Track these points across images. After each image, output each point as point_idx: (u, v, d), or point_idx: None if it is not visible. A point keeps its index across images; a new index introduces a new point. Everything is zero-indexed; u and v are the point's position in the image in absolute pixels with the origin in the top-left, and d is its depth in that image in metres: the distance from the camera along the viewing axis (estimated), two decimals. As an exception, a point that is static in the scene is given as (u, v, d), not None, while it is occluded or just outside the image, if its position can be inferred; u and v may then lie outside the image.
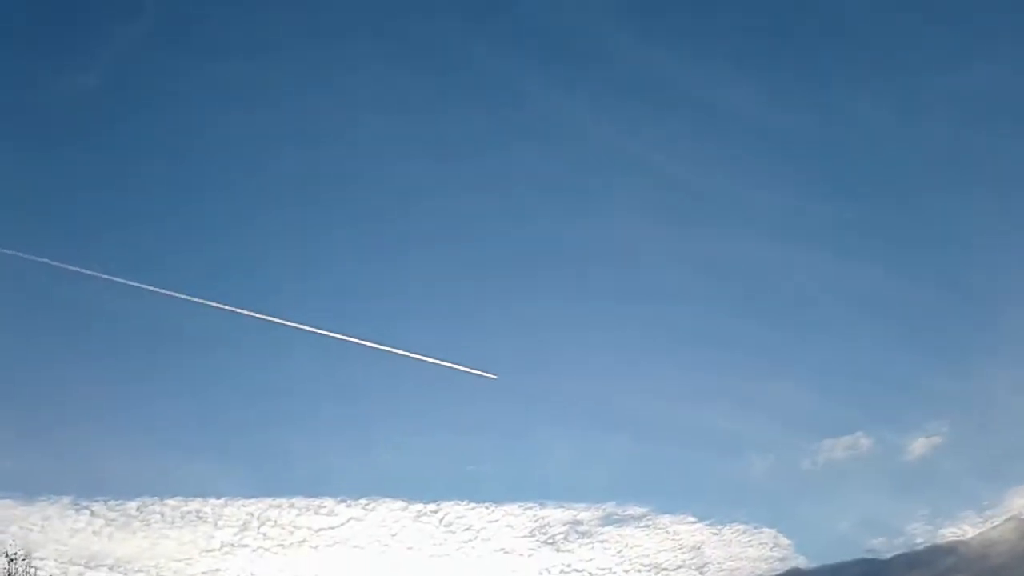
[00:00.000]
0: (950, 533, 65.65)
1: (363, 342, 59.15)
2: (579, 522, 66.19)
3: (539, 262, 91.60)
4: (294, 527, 60.92)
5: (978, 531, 65.62)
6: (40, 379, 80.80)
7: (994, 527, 64.19)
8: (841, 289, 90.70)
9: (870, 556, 62.98)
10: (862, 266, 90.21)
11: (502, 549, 64.53)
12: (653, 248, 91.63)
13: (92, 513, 59.58)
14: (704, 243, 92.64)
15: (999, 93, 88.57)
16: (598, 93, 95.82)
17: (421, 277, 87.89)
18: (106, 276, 62.35)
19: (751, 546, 65.89)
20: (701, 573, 64.76)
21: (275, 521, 60.76)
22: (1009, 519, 63.83)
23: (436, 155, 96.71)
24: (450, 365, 59.83)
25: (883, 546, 72.97)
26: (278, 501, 62.05)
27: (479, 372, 58.81)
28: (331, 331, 63.16)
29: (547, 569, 64.14)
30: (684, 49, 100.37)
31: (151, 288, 65.15)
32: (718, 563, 65.04)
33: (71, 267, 68.03)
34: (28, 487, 60.85)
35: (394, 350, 56.66)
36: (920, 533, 69.72)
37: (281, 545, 60.10)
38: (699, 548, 65.96)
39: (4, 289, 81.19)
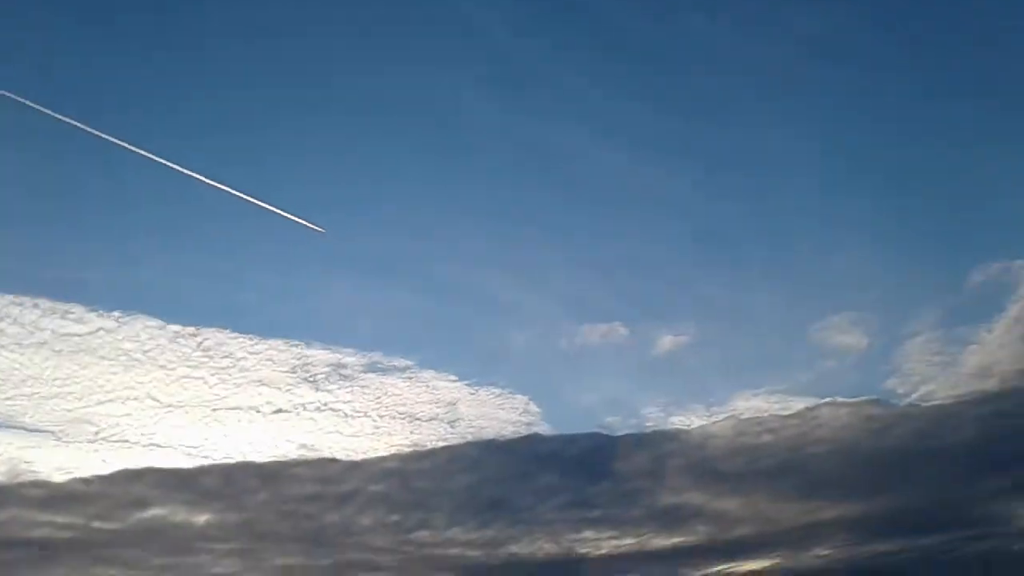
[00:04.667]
0: (678, 422, 72.05)
1: (140, 151, 55.24)
2: (343, 366, 67.45)
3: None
4: (35, 328, 58.63)
5: (701, 423, 72.51)
6: None
7: (715, 422, 70.91)
8: (638, 187, 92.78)
9: (603, 432, 68.14)
10: (658, 169, 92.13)
11: (260, 380, 65.14)
12: (477, 117, 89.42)
13: None
14: (525, 123, 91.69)
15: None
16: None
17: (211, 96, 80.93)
18: None
19: (503, 409, 69.57)
20: (452, 426, 68.09)
21: (14, 319, 58.25)
22: (728, 417, 70.66)
23: None
24: (233, 192, 57.03)
25: (616, 424, 79.69)
26: (20, 299, 59.12)
27: (261, 203, 56.69)
28: (110, 135, 58.64)
29: (303, 405, 65.64)
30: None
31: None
32: (469, 420, 68.46)
33: None
34: None
35: (171, 164, 53.19)
36: (652, 419, 76.34)
37: (18, 344, 57.98)
38: (455, 405, 69.03)
39: None
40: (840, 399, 78.45)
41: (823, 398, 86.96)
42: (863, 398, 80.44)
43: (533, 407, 70.57)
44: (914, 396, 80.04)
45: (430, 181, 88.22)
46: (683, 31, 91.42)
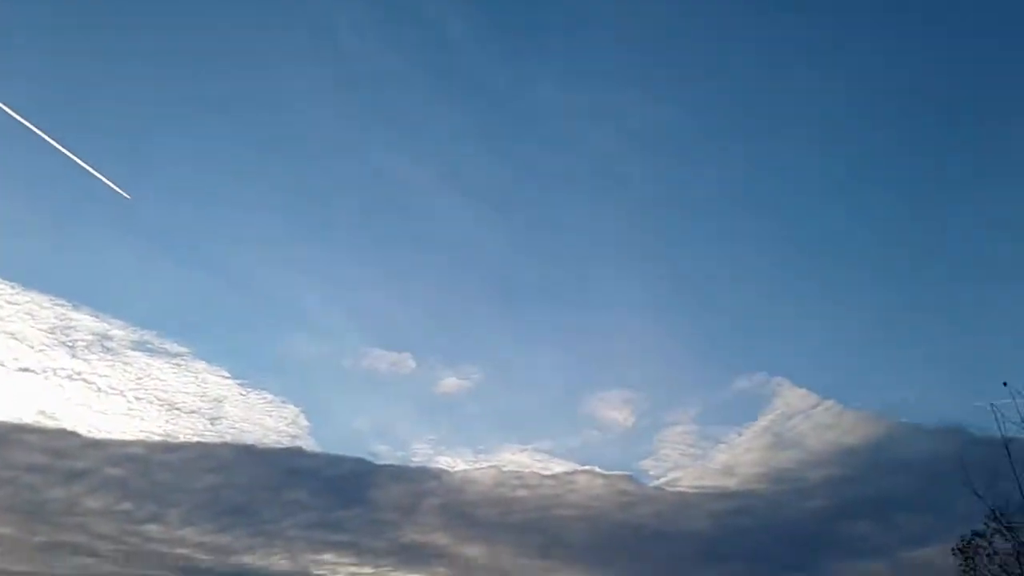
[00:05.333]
0: (443, 462, 73.30)
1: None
2: (109, 338, 63.69)
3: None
4: None
5: (465, 468, 74.01)
6: None
7: (478, 468, 72.69)
8: (458, 233, 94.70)
9: (368, 458, 68.11)
10: (482, 222, 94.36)
11: (12, 333, 60.49)
12: (322, 130, 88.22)
13: None
14: (370, 148, 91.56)
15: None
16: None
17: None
18: None
19: (271, 416, 67.94)
20: (212, 423, 65.80)
21: None
22: (492, 467, 72.74)
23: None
24: (40, 133, 52.75)
25: (383, 453, 79.92)
26: None
27: (70, 154, 52.93)
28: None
29: (54, 369, 61.45)
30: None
31: None
32: (232, 421, 66.34)
33: None
34: None
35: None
36: (419, 454, 77.12)
37: None
38: (221, 402, 66.77)
39: None
40: (598, 469, 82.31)
41: (582, 465, 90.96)
42: (618, 472, 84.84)
43: (303, 420, 69.46)
44: (662, 480, 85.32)
45: (252, 175, 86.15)
46: (536, 106, 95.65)
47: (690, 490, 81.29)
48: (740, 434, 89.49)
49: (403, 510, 68.17)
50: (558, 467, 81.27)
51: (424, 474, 70.32)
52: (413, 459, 73.03)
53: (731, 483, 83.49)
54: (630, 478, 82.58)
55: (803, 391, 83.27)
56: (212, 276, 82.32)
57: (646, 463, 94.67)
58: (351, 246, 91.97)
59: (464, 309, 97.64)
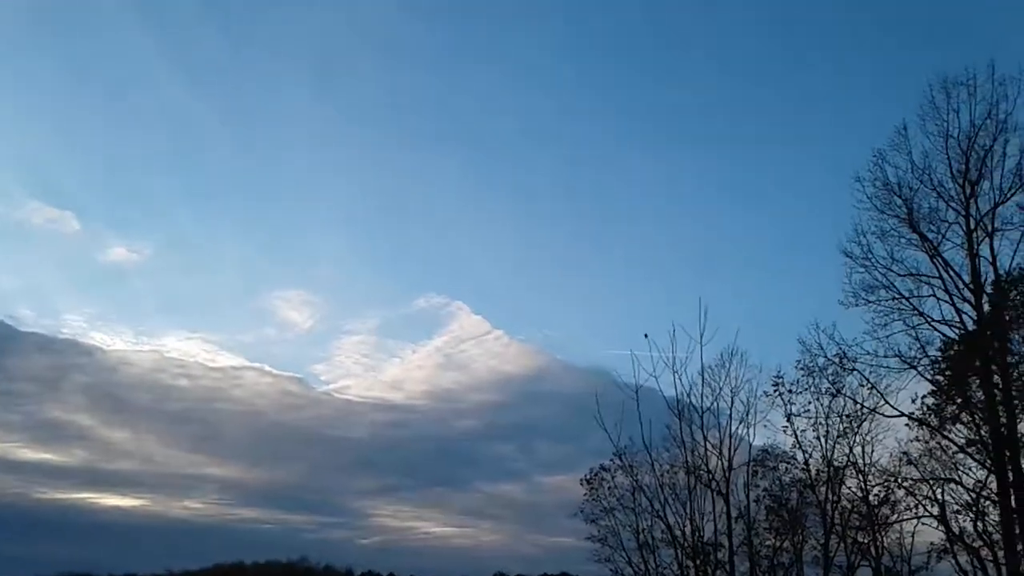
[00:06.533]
0: (98, 338, 68.42)
1: None
2: None
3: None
4: None
5: (123, 348, 69.86)
6: None
7: (137, 351, 69.09)
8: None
9: (8, 321, 61.69)
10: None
11: None
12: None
13: None
14: None
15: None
16: None
17: None
18: None
19: None
20: None
21: None
22: (153, 351, 69.61)
23: None
24: None
25: (26, 319, 72.52)
26: None
27: None
28: None
29: None
30: None
31: None
32: None
33: None
34: None
35: None
36: (71, 326, 70.95)
37: None
38: None
39: None
40: (268, 367, 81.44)
41: (252, 362, 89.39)
42: (289, 373, 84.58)
43: (-69, 269, 61.06)
44: (332, 386, 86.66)
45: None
46: None
47: (357, 399, 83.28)
48: (414, 351, 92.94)
49: (44, 384, 62.97)
50: (226, 360, 79.13)
51: (74, 348, 65.32)
52: (63, 331, 67.31)
53: (397, 396, 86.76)
54: (300, 380, 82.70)
55: (479, 318, 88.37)
56: None
57: (319, 367, 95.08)
58: (28, 87, 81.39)
59: (145, 176, 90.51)
